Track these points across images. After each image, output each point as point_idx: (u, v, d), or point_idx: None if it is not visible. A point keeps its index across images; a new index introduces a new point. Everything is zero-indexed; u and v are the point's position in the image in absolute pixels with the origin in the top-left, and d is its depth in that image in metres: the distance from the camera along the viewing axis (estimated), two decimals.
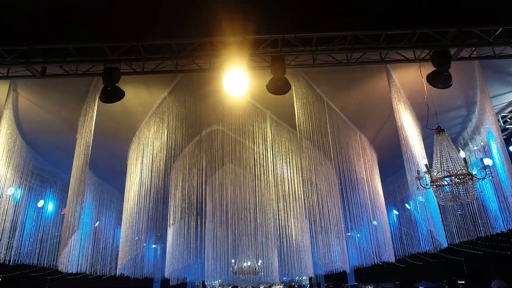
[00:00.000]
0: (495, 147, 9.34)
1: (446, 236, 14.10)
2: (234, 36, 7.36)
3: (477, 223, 12.24)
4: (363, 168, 10.19)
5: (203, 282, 27.91)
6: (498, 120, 11.77)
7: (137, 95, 8.78)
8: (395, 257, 15.78)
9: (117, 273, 10.44)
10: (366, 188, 10.03)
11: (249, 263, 14.53)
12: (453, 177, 6.32)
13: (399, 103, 8.31)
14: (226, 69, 7.39)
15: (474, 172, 6.66)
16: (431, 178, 6.39)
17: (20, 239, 11.79)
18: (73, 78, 7.82)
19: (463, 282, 27.28)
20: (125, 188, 10.00)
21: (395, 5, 7.65)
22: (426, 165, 6.50)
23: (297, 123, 8.06)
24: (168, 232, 11.44)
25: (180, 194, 10.67)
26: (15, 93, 8.57)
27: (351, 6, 7.61)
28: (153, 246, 17.17)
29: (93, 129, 7.71)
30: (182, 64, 7.81)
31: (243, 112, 9.29)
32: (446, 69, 7.15)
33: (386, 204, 16.96)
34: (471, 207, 12.39)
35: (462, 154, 6.37)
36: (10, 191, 11.45)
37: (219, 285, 29.57)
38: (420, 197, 8.69)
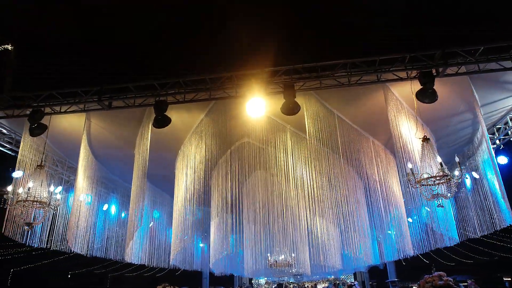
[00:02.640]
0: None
1: (468, 230, 15.07)
2: (254, 69, 9.24)
3: (493, 217, 13.12)
4: (376, 170, 11.59)
5: (250, 280, 29.85)
6: (507, 122, 12.62)
7: (180, 117, 10.93)
8: (423, 251, 16.78)
9: (170, 263, 12.64)
10: (379, 188, 11.43)
11: (283, 257, 16.27)
12: (435, 178, 7.71)
13: (399, 115, 9.71)
14: (248, 96, 9.27)
15: (457, 173, 8.01)
16: (415, 179, 7.81)
17: (93, 236, 14.43)
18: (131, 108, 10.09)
19: (510, 279, 27.04)
20: (174, 193, 12.18)
21: (387, 34, 9.15)
22: (411, 169, 7.93)
23: (307, 135, 9.75)
24: (211, 227, 13.50)
25: (220, 195, 12.69)
26: (88, 121, 11.05)
27: (349, 38, 9.19)
28: (201, 245, 19.48)
29: (148, 147, 9.93)
30: (214, 93, 9.80)
31: (267, 127, 11.14)
32: (430, 87, 8.49)
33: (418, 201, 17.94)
34: (487, 202, 13.33)
35: (439, 159, 7.74)
36: (83, 197, 14.18)
37: (265, 283, 31.39)
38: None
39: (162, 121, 9.29)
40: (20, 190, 8.76)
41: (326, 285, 29.49)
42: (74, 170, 13.88)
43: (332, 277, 29.15)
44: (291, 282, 29.66)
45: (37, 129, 9.56)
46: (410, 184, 7.94)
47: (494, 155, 9.98)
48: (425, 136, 8.36)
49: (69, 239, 10.92)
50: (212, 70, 9.47)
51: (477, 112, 9.92)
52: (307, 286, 30.72)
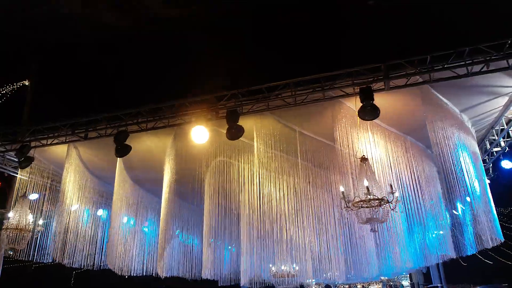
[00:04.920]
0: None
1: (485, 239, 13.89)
2: (203, 95, 9.60)
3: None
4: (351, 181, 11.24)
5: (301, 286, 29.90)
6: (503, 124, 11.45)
7: (153, 142, 11.65)
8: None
9: (163, 272, 13.34)
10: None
11: (285, 267, 16.29)
12: (363, 202, 7.40)
13: (353, 130, 9.35)
14: (199, 122, 9.61)
15: (396, 194, 7.62)
16: (347, 204, 7.56)
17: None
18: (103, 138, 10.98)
19: None
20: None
21: (330, 51, 8.92)
22: (342, 192, 7.68)
23: (256, 157, 9.85)
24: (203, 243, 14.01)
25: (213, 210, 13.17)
26: (76, 149, 12.22)
27: (290, 58, 9.13)
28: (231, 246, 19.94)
29: (117, 173, 10.83)
30: (172, 120, 10.29)
31: (238, 146, 11.37)
32: (368, 104, 8.11)
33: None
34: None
35: (366, 183, 7.40)
36: (100, 212, 15.55)
37: (315, 284, 31.27)
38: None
39: (121, 151, 10.03)
40: (10, 215, 10.07)
41: (380, 286, 28.75)
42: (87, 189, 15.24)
43: (386, 277, 28.29)
44: (342, 284, 29.32)
45: (24, 162, 10.84)
46: (344, 207, 7.69)
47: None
48: (363, 156, 8.02)
49: (56, 255, 11.92)
50: (165, 99, 10.02)
51: (427, 124, 9.22)
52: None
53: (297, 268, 15.77)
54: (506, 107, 10.52)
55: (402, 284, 27.67)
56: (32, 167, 13.00)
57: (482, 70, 8.06)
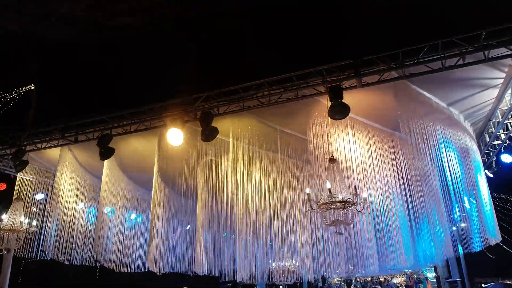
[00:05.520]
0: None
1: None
2: (176, 98, 9.69)
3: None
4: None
5: (323, 277, 29.94)
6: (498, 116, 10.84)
7: (141, 144, 11.88)
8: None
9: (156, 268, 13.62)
10: None
11: (286, 264, 16.29)
12: (331, 203, 7.25)
13: (332, 128, 9.14)
14: (176, 124, 9.69)
15: (365, 196, 7.42)
16: (311, 206, 7.43)
17: None
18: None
19: None
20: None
21: (300, 49, 8.73)
22: (308, 194, 7.55)
23: (231, 154, 9.83)
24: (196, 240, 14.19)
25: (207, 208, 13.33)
26: (71, 151, 12.65)
27: (263, 58, 8.99)
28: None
29: (104, 173, 11.20)
30: (154, 123, 10.45)
31: (222, 145, 11.41)
32: (337, 102, 7.89)
33: None
34: None
35: (328, 185, 7.23)
36: (107, 210, 16.08)
37: (337, 277, 31.34)
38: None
39: (105, 154, 10.30)
40: (4, 216, 10.63)
41: (403, 278, 28.65)
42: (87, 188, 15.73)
43: (410, 271, 27.96)
44: (363, 277, 29.29)
45: (20, 166, 11.34)
46: (310, 209, 7.57)
47: None
48: (331, 156, 7.84)
49: (53, 253, 12.48)
50: (145, 102, 10.18)
51: (400, 124, 8.85)
52: (381, 280, 30.39)
53: (297, 264, 15.80)
54: (499, 99, 9.95)
55: (426, 277, 27.25)
56: (34, 169, 13.76)
57: (458, 63, 7.64)
